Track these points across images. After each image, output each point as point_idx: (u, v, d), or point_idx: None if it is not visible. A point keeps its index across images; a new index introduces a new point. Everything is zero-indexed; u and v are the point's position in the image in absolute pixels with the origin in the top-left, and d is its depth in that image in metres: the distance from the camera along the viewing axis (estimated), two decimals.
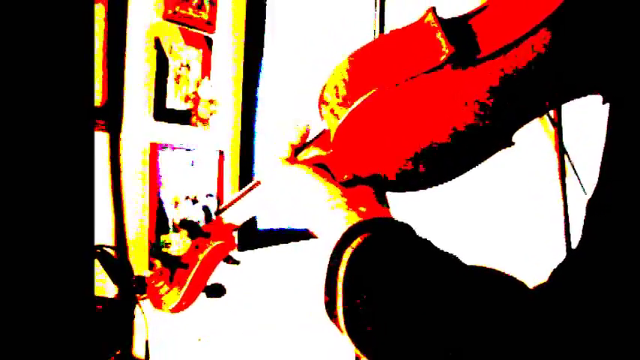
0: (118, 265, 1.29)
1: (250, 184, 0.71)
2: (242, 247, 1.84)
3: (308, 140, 0.65)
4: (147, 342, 1.34)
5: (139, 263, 1.57)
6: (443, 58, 0.51)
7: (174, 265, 0.74)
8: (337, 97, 0.56)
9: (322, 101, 0.58)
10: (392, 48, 0.55)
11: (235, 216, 0.74)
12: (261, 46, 1.93)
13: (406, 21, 0.55)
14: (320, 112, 0.59)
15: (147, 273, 0.78)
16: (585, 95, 0.52)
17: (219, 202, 1.79)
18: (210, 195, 1.78)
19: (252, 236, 1.88)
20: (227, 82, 1.85)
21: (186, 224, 0.75)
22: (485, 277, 0.48)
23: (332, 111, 0.57)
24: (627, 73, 0.44)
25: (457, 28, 0.52)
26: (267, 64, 1.95)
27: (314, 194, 0.59)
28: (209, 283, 0.76)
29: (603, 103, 0.49)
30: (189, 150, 1.72)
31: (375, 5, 1.70)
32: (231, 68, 1.86)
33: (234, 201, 0.73)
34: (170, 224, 1.67)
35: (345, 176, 0.58)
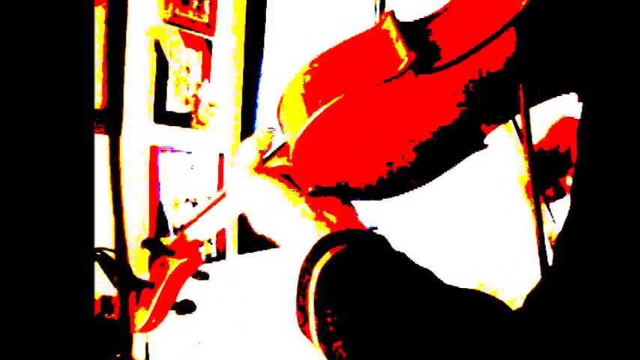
0: (118, 268, 1.28)
1: (214, 198, 0.69)
2: (241, 250, 1.84)
3: (273, 149, 0.62)
4: (147, 345, 1.34)
5: (139, 265, 1.57)
6: (403, 66, 0.48)
7: (140, 286, 0.73)
8: (295, 108, 0.53)
9: (279, 113, 0.55)
10: (351, 56, 0.52)
11: (200, 231, 0.71)
12: (261, 48, 1.93)
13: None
14: (279, 124, 0.56)
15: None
16: (556, 96, 0.50)
17: None
18: (210, 197, 1.77)
19: (251, 239, 1.87)
20: (227, 84, 1.85)
21: (148, 243, 0.74)
22: (463, 297, 0.46)
23: (290, 124, 0.54)
24: (597, 71, 0.42)
25: (417, 33, 0.50)
26: (267, 67, 1.95)
27: (280, 204, 0.56)
28: (179, 299, 0.74)
29: (579, 101, 0.48)
30: (189, 152, 1.72)
31: (375, 6, 1.70)
32: (231, 71, 1.86)
33: (199, 216, 0.71)
34: (170, 227, 1.67)
35: (310, 188, 0.55)
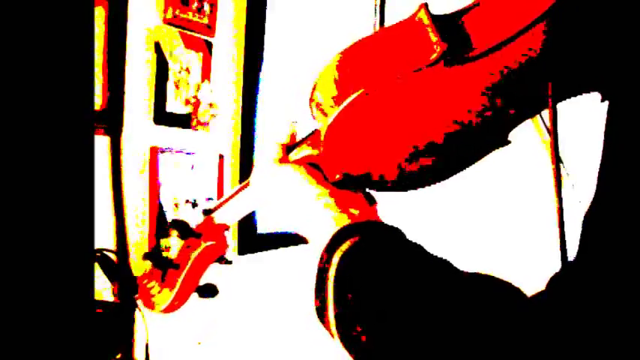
0: (118, 269, 1.28)
1: (241, 184, 0.71)
2: (241, 251, 1.84)
3: (300, 139, 0.64)
4: (147, 345, 1.34)
5: (139, 267, 1.57)
6: (435, 55, 0.49)
7: (165, 266, 0.74)
8: (327, 95, 0.55)
9: (312, 100, 0.57)
10: (383, 45, 0.54)
11: (226, 216, 0.73)
12: (262, 49, 1.93)
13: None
14: (310, 111, 0.58)
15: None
16: (583, 93, 0.50)
17: None
18: (211, 199, 1.78)
19: (252, 240, 1.88)
20: (227, 85, 1.85)
21: (177, 225, 0.75)
22: (479, 282, 0.46)
23: (322, 110, 0.56)
24: (627, 70, 0.43)
25: (449, 25, 0.51)
26: (267, 68, 1.95)
27: (303, 194, 0.58)
28: (201, 283, 0.76)
29: (602, 100, 0.48)
30: (189, 154, 1.72)
31: (375, 8, 1.70)
32: (231, 72, 1.86)
33: (226, 201, 0.73)
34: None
35: (337, 176, 0.57)
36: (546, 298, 0.43)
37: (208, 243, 0.73)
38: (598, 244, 0.41)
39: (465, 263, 0.50)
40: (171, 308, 0.73)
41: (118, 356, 1.29)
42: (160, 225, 1.63)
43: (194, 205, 1.72)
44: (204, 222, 0.74)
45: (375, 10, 1.73)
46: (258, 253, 1.90)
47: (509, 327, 0.42)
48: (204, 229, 0.74)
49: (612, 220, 0.40)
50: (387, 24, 1.79)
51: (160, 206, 1.63)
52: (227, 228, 0.74)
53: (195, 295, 0.75)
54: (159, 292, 0.74)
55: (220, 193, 1.80)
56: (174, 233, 0.75)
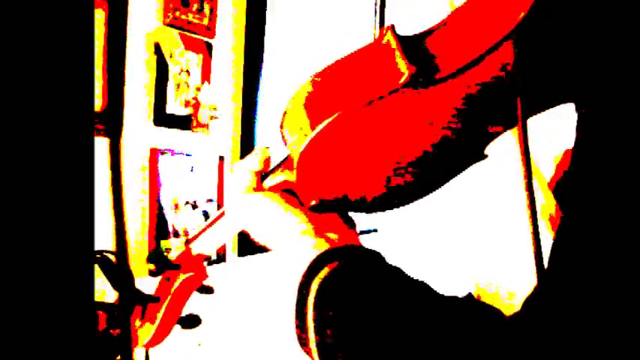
0: (118, 271, 1.28)
1: (217, 213, 0.70)
2: (241, 253, 1.84)
3: (274, 165, 0.63)
4: None
5: (139, 268, 1.57)
6: (404, 79, 0.49)
7: (145, 301, 0.74)
8: (298, 122, 0.54)
9: (283, 127, 0.56)
10: (352, 70, 0.53)
11: (204, 246, 0.72)
12: (262, 50, 1.93)
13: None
14: (282, 137, 0.57)
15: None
16: (554, 106, 0.51)
17: (219, 207, 1.79)
18: (211, 200, 1.78)
19: (251, 242, 1.87)
20: (227, 87, 1.85)
21: (154, 258, 0.74)
22: (459, 306, 0.46)
23: (294, 137, 0.55)
24: (594, 81, 0.43)
25: (417, 47, 0.51)
26: (267, 69, 1.95)
27: (280, 222, 0.57)
28: (184, 313, 0.75)
29: (576, 111, 0.48)
30: (189, 155, 1.72)
31: (375, 8, 1.71)
32: (231, 73, 1.86)
33: (202, 231, 0.72)
34: (170, 229, 1.67)
35: (313, 202, 0.56)
36: (521, 319, 0.43)
37: (187, 275, 0.72)
38: (567, 262, 0.41)
39: (452, 269, 0.49)
40: (153, 342, 0.73)
41: (118, 358, 1.28)
42: (160, 226, 1.63)
43: (194, 206, 1.72)
44: (182, 253, 0.73)
45: (375, 10, 1.74)
46: (258, 254, 1.90)
47: (488, 350, 0.42)
48: (183, 260, 0.73)
49: (581, 235, 0.40)
50: (386, 21, 1.79)
51: (160, 207, 1.63)
52: (206, 257, 0.74)
53: (177, 327, 0.75)
54: (140, 327, 0.73)
55: (220, 195, 1.80)
56: (150, 266, 0.74)
